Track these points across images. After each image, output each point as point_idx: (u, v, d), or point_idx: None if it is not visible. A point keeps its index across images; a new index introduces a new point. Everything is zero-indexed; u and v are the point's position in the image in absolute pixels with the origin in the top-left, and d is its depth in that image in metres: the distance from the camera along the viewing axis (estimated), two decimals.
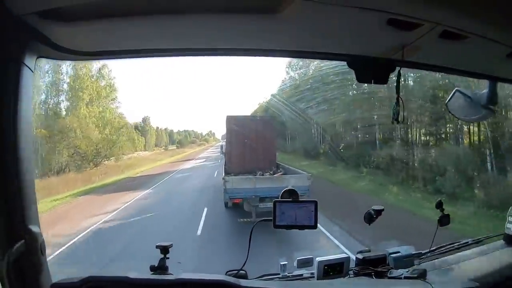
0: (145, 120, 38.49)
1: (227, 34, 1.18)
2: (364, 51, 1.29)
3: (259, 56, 1.35)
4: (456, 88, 1.63)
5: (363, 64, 1.32)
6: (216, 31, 1.15)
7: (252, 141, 10.37)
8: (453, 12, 1.00)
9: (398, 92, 1.28)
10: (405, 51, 1.23)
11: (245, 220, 8.03)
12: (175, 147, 42.19)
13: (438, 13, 1.01)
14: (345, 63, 1.35)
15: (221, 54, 1.35)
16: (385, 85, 1.39)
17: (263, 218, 1.45)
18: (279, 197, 1.37)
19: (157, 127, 41.42)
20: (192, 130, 52.47)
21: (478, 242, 1.81)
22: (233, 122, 10.91)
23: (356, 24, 1.09)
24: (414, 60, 1.35)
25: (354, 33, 1.16)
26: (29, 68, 1.10)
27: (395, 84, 1.34)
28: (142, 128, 37.09)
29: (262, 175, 9.85)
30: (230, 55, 1.37)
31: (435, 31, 1.08)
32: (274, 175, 9.79)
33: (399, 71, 1.29)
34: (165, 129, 44.58)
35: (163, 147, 40.14)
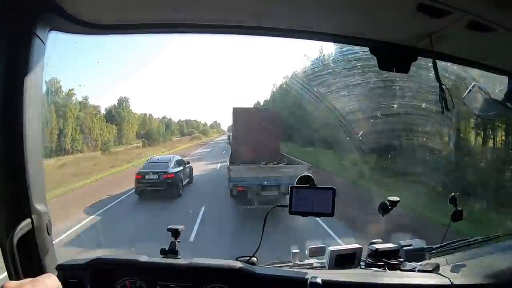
0: (121, 103, 27.47)
1: (244, 11, 1.15)
2: (389, 37, 1.27)
3: (278, 36, 1.30)
4: (474, 83, 1.61)
5: (386, 51, 1.30)
6: (233, 7, 1.12)
7: (257, 133, 10.71)
8: (485, 1, 0.98)
9: (439, 80, 1.24)
10: (431, 40, 1.21)
11: (248, 206, 8.63)
12: (139, 144, 28.31)
13: (470, 1, 0.99)
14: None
15: (237, 32, 1.32)
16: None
17: (279, 204, 1.43)
18: (295, 183, 1.34)
19: (146, 114, 31.32)
20: (195, 120, 44.96)
21: (488, 240, 1.79)
22: (239, 114, 11.41)
23: (385, 7, 1.07)
24: (438, 50, 1.32)
25: (381, 17, 1.14)
26: (42, 41, 1.08)
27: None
28: (118, 114, 26.82)
29: (266, 164, 10.35)
30: (246, 34, 1.32)
31: (464, 20, 1.06)
32: (277, 165, 10.25)
33: (433, 60, 1.25)
34: (163, 117, 35.91)
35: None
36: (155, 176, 11.26)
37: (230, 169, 9.35)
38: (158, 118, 35.42)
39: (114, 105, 27.31)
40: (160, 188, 11.14)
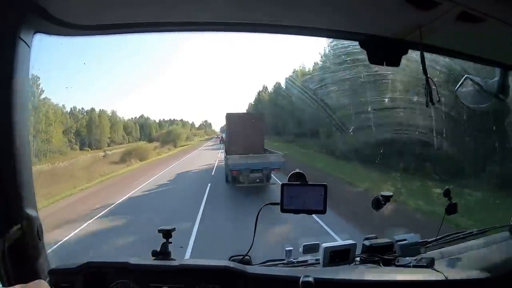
0: (37, 91, 16.03)
1: (232, 7, 1.13)
2: (378, 31, 1.25)
3: (266, 32, 1.29)
4: (466, 75, 1.60)
5: (376, 44, 1.28)
6: (218, 3, 1.10)
7: (246, 132, 13.72)
8: None
9: (425, 73, 1.21)
10: (420, 32, 1.19)
11: (240, 185, 12.06)
12: None
13: None
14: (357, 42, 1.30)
15: (224, 29, 1.28)
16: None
17: (270, 202, 1.41)
18: (287, 180, 1.32)
19: (94, 109, 22.18)
20: (181, 120, 41.49)
21: (483, 233, 1.79)
22: (231, 118, 14.45)
23: (374, 0, 1.05)
24: (428, 42, 1.30)
25: (370, 10, 1.12)
26: (26, 44, 1.05)
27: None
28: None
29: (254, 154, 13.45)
30: (233, 31, 1.29)
31: (454, 11, 1.04)
32: (261, 155, 13.47)
33: (421, 52, 1.23)
34: (140, 116, 30.19)
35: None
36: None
37: (228, 158, 12.58)
38: (135, 117, 28.23)
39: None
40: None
